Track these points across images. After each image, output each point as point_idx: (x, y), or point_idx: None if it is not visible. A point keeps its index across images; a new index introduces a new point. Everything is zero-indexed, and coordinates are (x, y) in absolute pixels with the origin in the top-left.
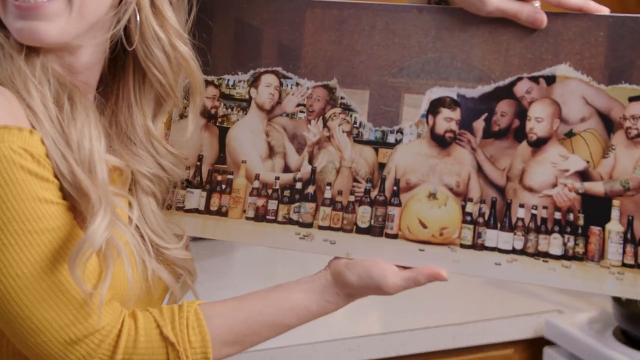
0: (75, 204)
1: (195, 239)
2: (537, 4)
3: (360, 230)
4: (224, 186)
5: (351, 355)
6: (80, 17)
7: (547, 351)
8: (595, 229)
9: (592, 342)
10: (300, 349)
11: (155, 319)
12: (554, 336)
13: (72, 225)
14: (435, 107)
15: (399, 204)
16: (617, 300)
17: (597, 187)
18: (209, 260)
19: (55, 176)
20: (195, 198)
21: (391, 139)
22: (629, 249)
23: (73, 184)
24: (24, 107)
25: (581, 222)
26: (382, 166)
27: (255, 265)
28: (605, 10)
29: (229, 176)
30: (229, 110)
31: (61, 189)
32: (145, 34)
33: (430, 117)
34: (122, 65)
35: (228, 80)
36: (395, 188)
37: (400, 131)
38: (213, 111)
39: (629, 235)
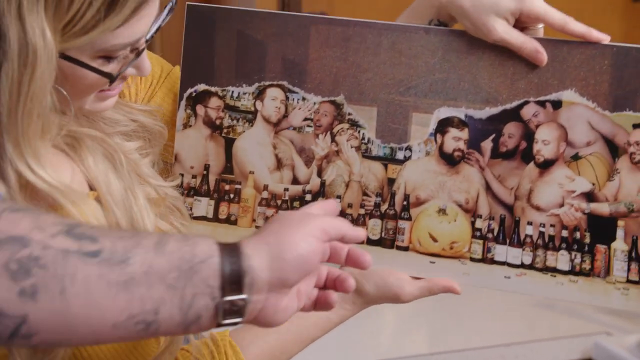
0: None
1: None
2: (541, 26)
3: (371, 242)
4: (232, 195)
5: None
6: None
7: None
8: (601, 247)
9: None
10: None
11: (196, 357)
12: (602, 358)
13: None
14: (443, 126)
15: (409, 218)
16: None
17: (602, 208)
18: None
19: None
20: (203, 206)
21: (400, 155)
22: (634, 266)
23: None
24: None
25: (587, 240)
26: (391, 181)
27: None
28: (606, 39)
29: (237, 186)
30: (235, 121)
31: None
32: None
33: (438, 136)
34: None
35: (232, 92)
36: (405, 203)
37: (409, 148)
38: (218, 122)
39: (633, 254)
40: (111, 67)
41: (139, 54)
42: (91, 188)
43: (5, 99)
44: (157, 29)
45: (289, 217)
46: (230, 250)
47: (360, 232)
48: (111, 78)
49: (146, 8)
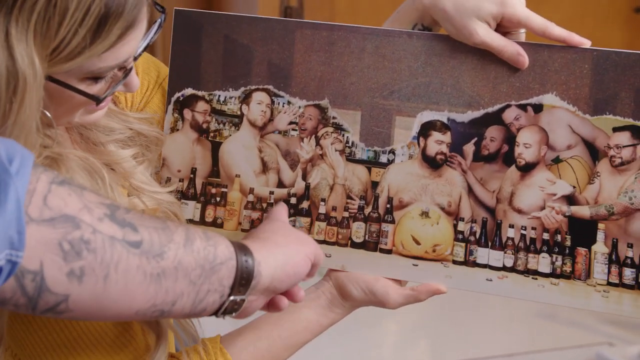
0: None
1: None
2: (523, 31)
3: (355, 245)
4: (218, 199)
5: None
6: None
7: None
8: (581, 250)
9: None
10: None
11: None
12: None
13: None
14: (426, 130)
15: (393, 221)
16: None
17: (583, 211)
18: None
19: None
20: (190, 209)
21: (383, 159)
22: (614, 269)
23: None
24: None
25: (568, 243)
26: (374, 184)
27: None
28: (587, 44)
29: (223, 189)
30: (221, 125)
31: None
32: None
33: (421, 140)
34: None
35: (219, 96)
36: (388, 206)
37: (392, 152)
38: (205, 126)
39: (613, 256)
40: (98, 87)
41: (127, 73)
42: None
43: None
44: (146, 47)
45: (294, 234)
46: (245, 254)
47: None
48: (97, 100)
49: (132, 33)
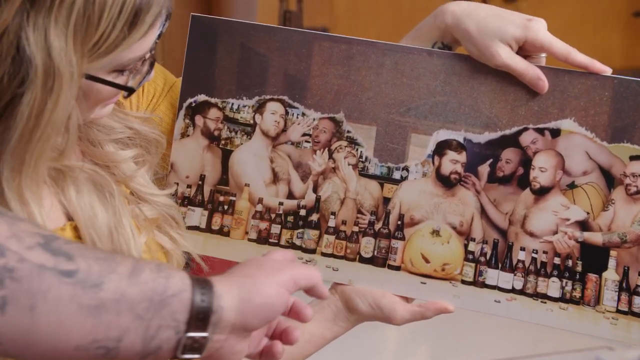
0: None
1: None
2: (544, 55)
3: (363, 260)
4: (226, 207)
5: None
6: None
7: None
8: (592, 276)
9: None
10: None
11: None
12: None
13: None
14: (441, 148)
15: (403, 238)
16: None
17: (596, 237)
18: None
19: None
20: (197, 216)
21: (397, 175)
22: (624, 296)
23: None
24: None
25: (579, 268)
26: (386, 200)
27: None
28: (608, 71)
29: (232, 198)
30: (233, 133)
31: None
32: None
33: (436, 158)
34: None
35: (232, 104)
36: (399, 222)
37: (406, 168)
38: (216, 133)
39: (624, 284)
40: (123, 79)
41: (152, 64)
42: (70, 218)
43: (22, 124)
44: (159, 36)
45: (264, 263)
46: (203, 287)
47: (325, 291)
48: (131, 91)
49: (159, 20)
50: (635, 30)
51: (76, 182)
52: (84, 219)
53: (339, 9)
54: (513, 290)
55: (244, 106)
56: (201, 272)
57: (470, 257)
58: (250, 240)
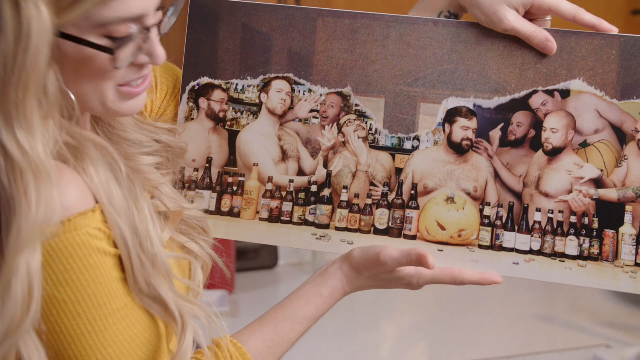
0: None
1: (239, 270)
2: (549, 18)
3: (378, 232)
4: (235, 188)
5: None
6: None
7: None
8: (609, 232)
9: None
10: None
11: None
12: None
13: None
14: (452, 116)
15: (417, 207)
16: None
17: (610, 194)
18: (253, 292)
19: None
20: (206, 199)
21: (408, 145)
22: None
23: (153, 300)
24: (87, 181)
25: (596, 225)
26: (399, 171)
27: None
28: (615, 31)
29: (240, 178)
30: (239, 114)
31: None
32: None
33: (447, 126)
34: None
35: (237, 84)
36: (413, 192)
37: (417, 138)
38: (221, 115)
39: None
40: (111, 45)
41: (147, 37)
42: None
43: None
44: (173, 24)
45: None
46: None
47: None
48: (110, 52)
49: None
50: (633, 28)
51: (93, 159)
52: (105, 196)
53: (338, 2)
54: (531, 252)
55: (249, 86)
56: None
57: (486, 221)
58: (261, 219)
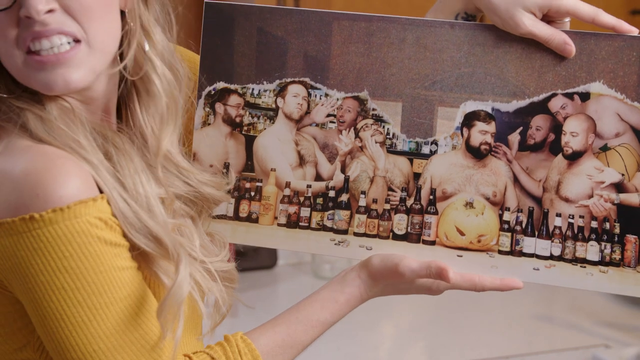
0: (148, 258)
1: (238, 270)
2: (567, 20)
3: (396, 237)
4: (252, 193)
5: None
6: (102, 53)
7: None
8: (631, 237)
9: None
10: None
11: (210, 354)
12: None
13: (143, 286)
14: (470, 120)
15: (436, 212)
16: None
17: (632, 198)
18: (252, 292)
19: (124, 236)
20: (223, 205)
21: (426, 150)
22: None
23: (148, 235)
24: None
25: (617, 230)
26: (417, 176)
27: (300, 297)
28: (635, 31)
29: (258, 184)
30: (255, 119)
31: (131, 247)
32: (140, 60)
33: (465, 130)
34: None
35: (253, 89)
36: (431, 197)
37: (435, 142)
38: (238, 119)
39: None
40: None
41: None
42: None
43: None
44: None
45: None
46: None
47: None
48: None
49: None
50: None
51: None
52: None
53: (337, 4)
54: (551, 257)
55: (265, 91)
56: None
57: (506, 226)
58: (279, 225)
